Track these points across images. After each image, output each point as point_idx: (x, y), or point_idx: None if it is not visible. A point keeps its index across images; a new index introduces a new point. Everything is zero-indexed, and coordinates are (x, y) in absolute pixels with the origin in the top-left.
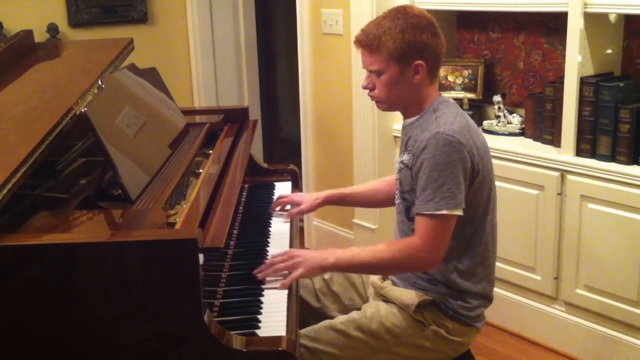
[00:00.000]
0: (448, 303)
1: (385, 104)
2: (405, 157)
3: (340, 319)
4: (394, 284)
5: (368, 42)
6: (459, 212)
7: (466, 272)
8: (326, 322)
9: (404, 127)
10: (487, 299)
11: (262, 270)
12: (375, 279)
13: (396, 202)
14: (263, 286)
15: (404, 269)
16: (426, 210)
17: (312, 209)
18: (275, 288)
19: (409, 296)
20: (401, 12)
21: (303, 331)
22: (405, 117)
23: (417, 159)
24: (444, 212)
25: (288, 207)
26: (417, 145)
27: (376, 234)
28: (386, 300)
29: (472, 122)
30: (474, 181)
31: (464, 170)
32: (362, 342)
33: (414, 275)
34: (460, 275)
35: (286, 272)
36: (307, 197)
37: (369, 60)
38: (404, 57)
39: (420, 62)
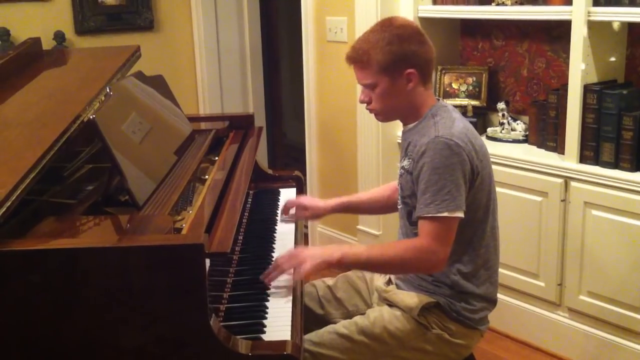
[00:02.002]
0: (452, 305)
1: (383, 115)
2: (406, 163)
3: (343, 324)
4: (399, 287)
5: (358, 57)
6: (460, 214)
7: (469, 274)
8: (329, 327)
9: (403, 133)
10: (491, 301)
11: (268, 274)
12: (379, 283)
13: (398, 207)
14: (268, 291)
15: (411, 270)
16: (427, 213)
17: (317, 216)
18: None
19: (413, 299)
20: (387, 25)
21: (307, 336)
22: (405, 124)
23: (417, 164)
24: (445, 214)
25: (293, 210)
26: (416, 150)
27: (380, 240)
28: (390, 304)
29: (470, 126)
30: (474, 183)
31: (463, 172)
32: (366, 346)
33: (418, 277)
34: (463, 277)
35: (291, 271)
36: (315, 203)
37: (361, 75)
38: (393, 67)
39: (411, 70)
